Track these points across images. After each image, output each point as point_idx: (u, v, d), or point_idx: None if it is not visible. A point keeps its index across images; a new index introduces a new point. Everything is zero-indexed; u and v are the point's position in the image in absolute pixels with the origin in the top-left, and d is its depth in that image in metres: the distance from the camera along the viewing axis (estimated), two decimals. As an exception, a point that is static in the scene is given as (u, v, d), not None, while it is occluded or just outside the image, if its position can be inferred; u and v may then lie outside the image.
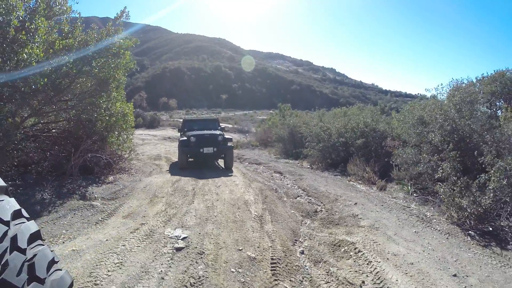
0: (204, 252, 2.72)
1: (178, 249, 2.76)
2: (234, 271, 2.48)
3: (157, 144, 14.02)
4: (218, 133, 8.35)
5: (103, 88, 5.23)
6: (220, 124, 9.84)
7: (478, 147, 5.08)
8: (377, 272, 2.55)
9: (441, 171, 4.53)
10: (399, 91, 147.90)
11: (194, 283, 2.26)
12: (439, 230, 3.94)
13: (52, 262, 1.27)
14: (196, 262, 2.55)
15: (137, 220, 3.54)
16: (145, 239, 2.96)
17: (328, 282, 2.52)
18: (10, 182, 4.56)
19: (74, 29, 5.06)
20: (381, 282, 2.43)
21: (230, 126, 39.97)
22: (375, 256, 2.84)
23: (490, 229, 4.07)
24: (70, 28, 5.03)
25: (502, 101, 8.20)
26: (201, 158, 8.23)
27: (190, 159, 8.07)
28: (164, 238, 2.98)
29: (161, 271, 2.39)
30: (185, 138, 8.15)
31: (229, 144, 8.40)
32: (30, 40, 4.02)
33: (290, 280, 2.51)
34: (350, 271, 2.63)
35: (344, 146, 8.70)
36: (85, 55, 4.81)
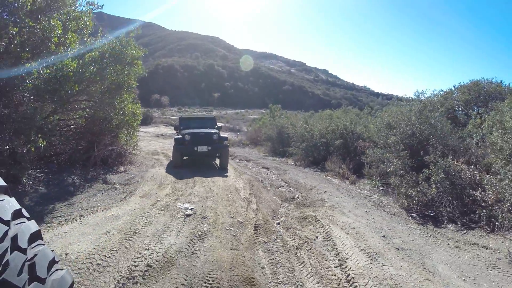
0: (206, 217, 3.82)
1: (188, 215, 3.85)
2: (228, 229, 3.58)
3: (151, 141, 14.88)
4: (213, 131, 8.31)
5: (117, 91, 6.26)
6: (218, 123, 9.98)
7: (426, 148, 6.31)
8: (327, 232, 3.69)
9: (393, 166, 5.74)
10: (391, 94, 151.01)
11: (201, 234, 3.35)
12: (387, 212, 5.11)
13: (53, 261, 1.30)
14: (201, 223, 3.64)
15: (152, 199, 4.60)
16: (162, 209, 4.03)
17: (293, 239, 3.65)
18: (38, 170, 5.52)
19: (95, 40, 6.07)
20: (328, 237, 3.56)
21: (222, 124, 40.62)
22: (328, 223, 3.99)
23: (432, 213, 5.23)
24: (92, 40, 6.04)
25: (476, 108, 9.46)
26: (196, 157, 8.34)
27: (185, 158, 8.14)
28: (177, 209, 4.06)
29: (177, 227, 3.48)
30: (180, 136, 8.16)
31: (224, 143, 8.26)
32: (65, 53, 5.03)
33: (267, 238, 3.62)
34: (309, 232, 3.77)
35: (324, 146, 9.88)
36: (105, 64, 5.83)
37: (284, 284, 2.63)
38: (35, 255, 1.22)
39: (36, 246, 1.26)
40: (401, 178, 5.59)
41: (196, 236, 3.28)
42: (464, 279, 2.85)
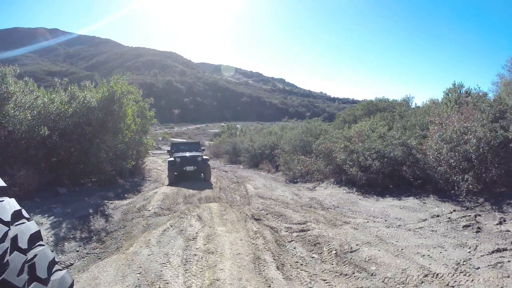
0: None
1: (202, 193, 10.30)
2: (212, 188, 10.10)
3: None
4: (198, 154, 11.39)
5: (144, 134, 12.51)
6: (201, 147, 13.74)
7: (307, 150, 13.33)
8: (246, 188, 10.33)
9: (283, 160, 12.64)
10: (347, 97, 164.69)
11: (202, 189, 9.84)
12: (276, 180, 11.92)
13: (53, 262, 1.39)
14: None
15: (174, 189, 10.91)
16: (186, 191, 10.41)
17: (234, 190, 10.24)
18: (89, 184, 11.50)
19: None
20: (247, 189, 10.19)
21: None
22: (246, 185, 10.67)
23: (296, 180, 12.09)
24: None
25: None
26: (185, 174, 10.96)
27: (176, 175, 10.83)
28: (192, 190, 10.44)
29: (200, 196, 9.89)
30: (172, 158, 11.01)
31: (207, 163, 11.33)
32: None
33: (224, 191, 10.15)
34: (239, 187, 10.42)
35: (260, 155, 16.75)
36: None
37: (229, 198, 9.18)
38: (35, 255, 1.29)
39: (36, 246, 1.35)
40: (285, 165, 12.48)
41: (200, 189, 9.76)
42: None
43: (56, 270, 1.41)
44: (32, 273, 1.24)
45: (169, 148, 13.42)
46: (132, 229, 5.60)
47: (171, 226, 5.22)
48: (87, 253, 4.66)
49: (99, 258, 4.41)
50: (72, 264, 4.31)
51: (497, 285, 3.15)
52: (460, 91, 10.57)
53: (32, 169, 7.27)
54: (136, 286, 3.22)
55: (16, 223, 1.33)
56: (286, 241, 4.82)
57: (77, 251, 4.75)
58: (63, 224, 5.51)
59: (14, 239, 1.24)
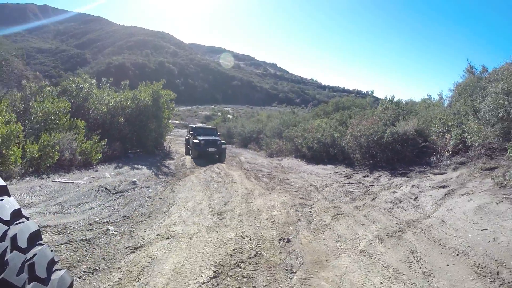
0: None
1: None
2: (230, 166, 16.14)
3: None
4: (218, 139, 14.69)
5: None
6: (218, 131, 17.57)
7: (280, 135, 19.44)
8: (240, 159, 16.39)
9: (265, 142, 18.67)
10: (337, 86, 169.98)
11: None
12: (259, 155, 18.08)
13: (52, 261, 1.41)
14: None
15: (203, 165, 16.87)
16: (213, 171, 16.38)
17: (232, 161, 16.31)
18: (140, 153, 17.34)
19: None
20: (240, 159, 16.24)
21: (176, 122, 50.22)
22: (240, 157, 16.75)
23: (273, 155, 18.26)
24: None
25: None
26: (206, 154, 14.03)
27: (199, 154, 14.04)
28: (218, 169, 16.39)
29: (215, 178, 15.90)
30: (197, 140, 14.15)
31: (223, 146, 14.50)
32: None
33: (226, 160, 16.19)
34: (235, 160, 16.50)
35: (249, 137, 22.80)
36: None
37: (229, 163, 15.22)
38: (35, 255, 1.31)
39: (35, 246, 1.37)
40: (266, 145, 18.55)
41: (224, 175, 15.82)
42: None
43: (56, 270, 1.45)
44: (31, 273, 1.27)
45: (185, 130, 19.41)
46: (184, 172, 11.58)
47: (206, 170, 11.29)
48: (171, 179, 10.65)
49: (177, 180, 10.38)
50: (168, 182, 10.31)
51: (340, 192, 9.36)
52: (391, 101, 16.71)
53: (118, 143, 13.10)
54: (205, 182, 9.31)
55: (16, 222, 1.35)
56: (260, 177, 10.98)
57: (165, 178, 10.72)
58: (153, 167, 11.51)
59: (14, 238, 1.26)
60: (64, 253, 3.86)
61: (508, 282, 3.79)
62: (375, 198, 7.70)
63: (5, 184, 1.42)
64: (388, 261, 4.02)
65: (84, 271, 3.53)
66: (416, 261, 4.06)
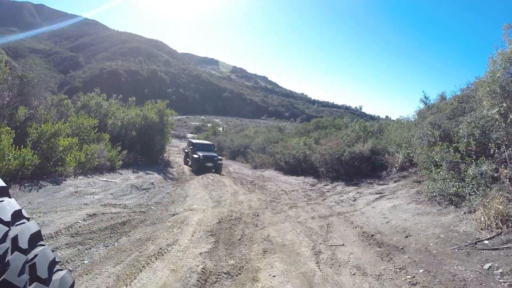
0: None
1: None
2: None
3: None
4: (215, 155, 17.47)
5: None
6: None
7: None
8: (229, 169, 19.83)
9: (251, 155, 22.15)
10: (326, 101, 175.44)
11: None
12: (245, 167, 21.56)
13: (53, 262, 1.43)
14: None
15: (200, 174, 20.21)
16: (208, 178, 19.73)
17: (222, 171, 19.75)
18: (145, 161, 20.59)
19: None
20: (229, 169, 19.69)
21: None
22: (229, 168, 20.19)
23: (258, 168, 21.78)
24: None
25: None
26: (204, 167, 16.55)
27: (198, 167, 16.48)
28: (212, 176, 19.76)
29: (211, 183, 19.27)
30: (197, 156, 16.83)
31: (219, 162, 17.25)
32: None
33: (227, 174, 19.61)
34: (224, 170, 19.95)
35: (237, 151, 26.30)
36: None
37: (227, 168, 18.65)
38: (36, 255, 1.33)
39: (36, 247, 1.39)
40: (251, 158, 22.04)
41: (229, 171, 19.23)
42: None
43: (57, 270, 1.46)
44: (32, 273, 1.29)
45: (185, 144, 22.76)
46: (186, 178, 14.93)
47: (203, 177, 14.70)
48: (177, 182, 13.95)
49: (182, 183, 13.70)
50: (175, 184, 13.63)
51: (302, 195, 12.92)
52: (360, 125, 20.50)
53: (131, 153, 16.39)
54: (204, 185, 12.74)
55: (17, 223, 1.37)
56: (244, 183, 14.47)
57: (173, 182, 14.02)
58: (161, 173, 14.86)
59: (15, 239, 1.28)
60: (135, 216, 7.24)
61: (376, 240, 7.30)
62: (325, 199, 11.25)
63: (5, 185, 1.45)
64: (311, 226, 7.54)
65: (147, 225, 6.92)
66: (327, 227, 7.58)
